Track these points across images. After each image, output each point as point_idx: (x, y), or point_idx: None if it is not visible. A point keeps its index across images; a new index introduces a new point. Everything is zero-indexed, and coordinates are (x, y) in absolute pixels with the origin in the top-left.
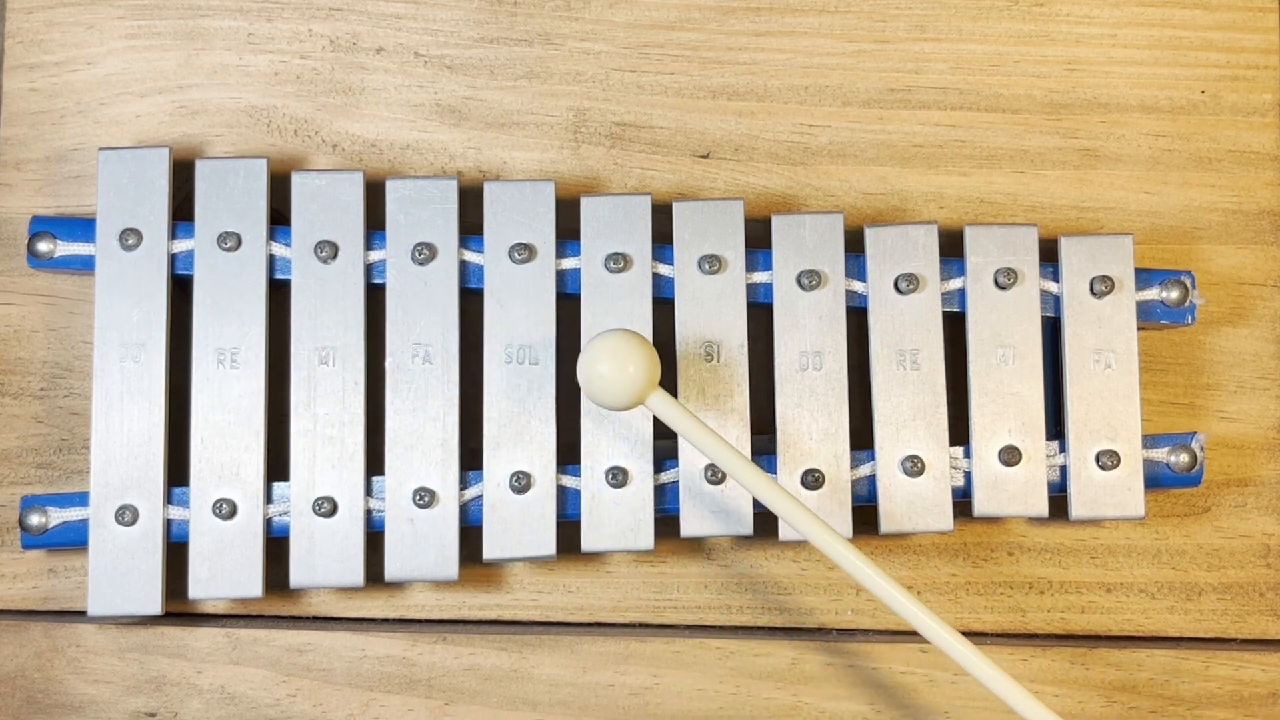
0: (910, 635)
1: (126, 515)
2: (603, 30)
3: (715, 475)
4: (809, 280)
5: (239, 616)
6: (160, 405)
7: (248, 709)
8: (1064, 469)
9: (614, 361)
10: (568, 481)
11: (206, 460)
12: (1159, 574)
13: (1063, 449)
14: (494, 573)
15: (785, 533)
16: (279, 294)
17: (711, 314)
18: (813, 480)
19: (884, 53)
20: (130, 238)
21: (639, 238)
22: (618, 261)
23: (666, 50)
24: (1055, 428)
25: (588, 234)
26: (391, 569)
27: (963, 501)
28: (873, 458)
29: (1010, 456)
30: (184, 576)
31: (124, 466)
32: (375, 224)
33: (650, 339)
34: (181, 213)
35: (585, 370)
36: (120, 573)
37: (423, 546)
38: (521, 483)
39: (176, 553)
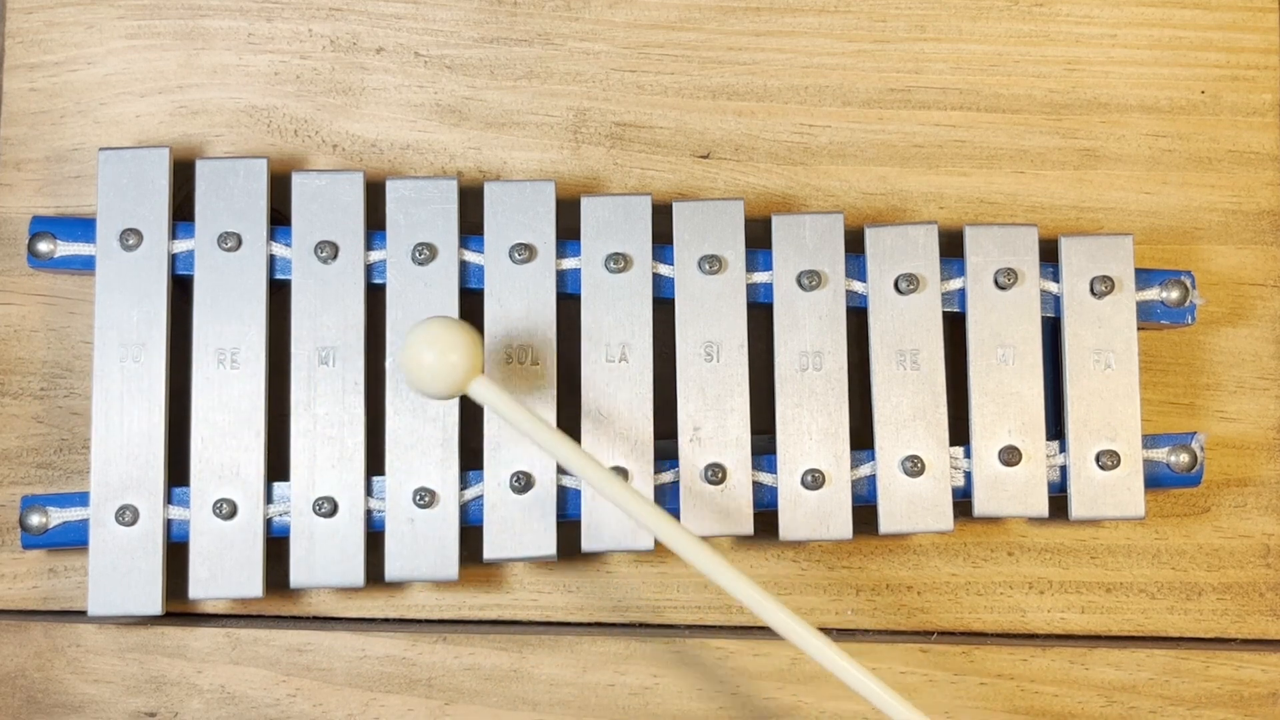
0: (911, 635)
1: (126, 515)
2: (603, 30)
3: (715, 475)
4: (809, 280)
5: (239, 616)
6: (160, 405)
7: (248, 709)
8: (1064, 469)
9: (436, 349)
10: (568, 481)
11: (206, 460)
12: (1159, 574)
13: (1063, 449)
14: (494, 573)
15: (785, 532)
16: (279, 294)
17: (711, 314)
18: (812, 480)
19: (884, 53)
20: (130, 238)
21: (639, 238)
22: (618, 261)
23: (666, 50)
24: (1055, 428)
25: (588, 234)
26: (391, 569)
27: (963, 501)
28: (873, 458)
29: (1010, 456)
30: (184, 576)
31: (124, 466)
32: (375, 224)
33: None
34: (181, 213)
35: (408, 359)
36: (120, 573)
37: (423, 546)
38: (521, 483)
39: (176, 553)
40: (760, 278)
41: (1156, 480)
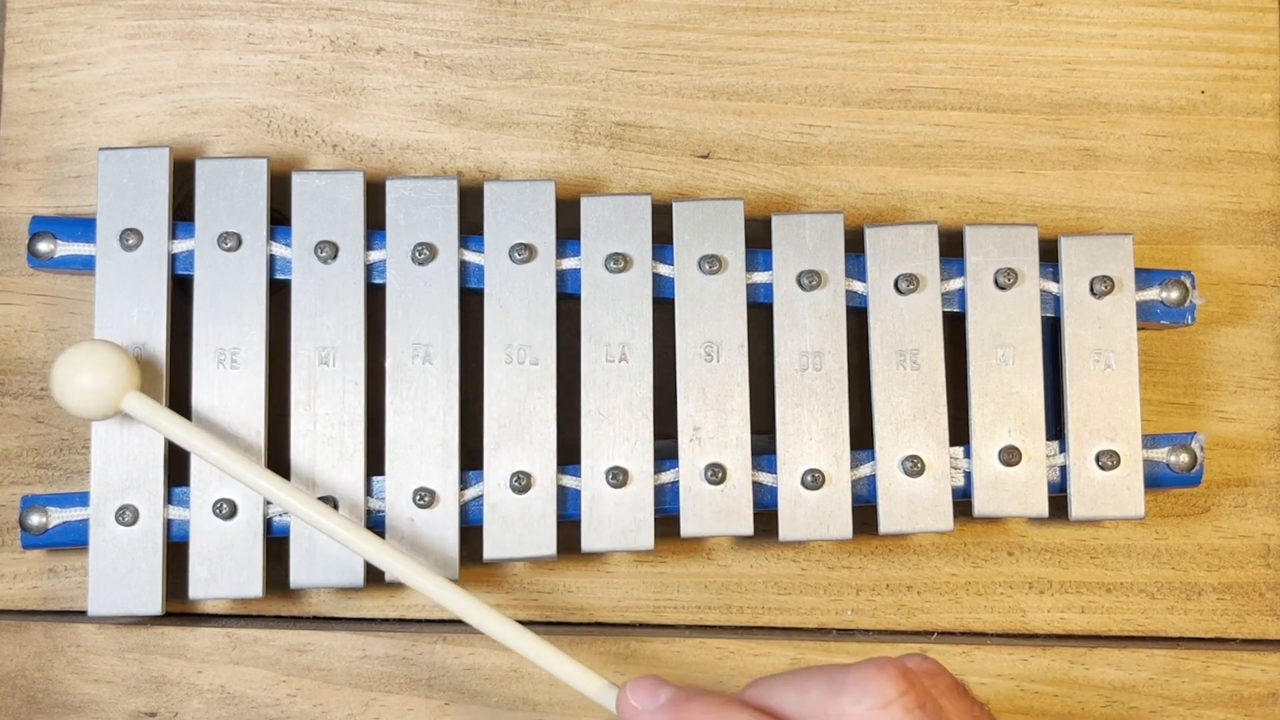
0: (911, 635)
1: (126, 515)
2: (603, 30)
3: (715, 475)
4: (809, 280)
5: (239, 616)
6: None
7: (248, 709)
8: (1064, 469)
9: (87, 371)
10: (568, 481)
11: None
12: (1159, 574)
13: (1063, 449)
14: (494, 573)
15: (785, 532)
16: (279, 294)
17: (711, 314)
18: (812, 480)
19: (884, 53)
20: (130, 238)
21: (639, 238)
22: (618, 261)
23: (666, 50)
24: (1055, 428)
25: (588, 234)
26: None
27: (963, 501)
28: (873, 458)
29: (1010, 456)
30: (184, 576)
31: (124, 466)
32: (375, 224)
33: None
34: (181, 213)
35: (60, 384)
36: (120, 573)
37: (423, 546)
38: (521, 483)
39: (176, 553)
40: (760, 278)
41: (1156, 480)
